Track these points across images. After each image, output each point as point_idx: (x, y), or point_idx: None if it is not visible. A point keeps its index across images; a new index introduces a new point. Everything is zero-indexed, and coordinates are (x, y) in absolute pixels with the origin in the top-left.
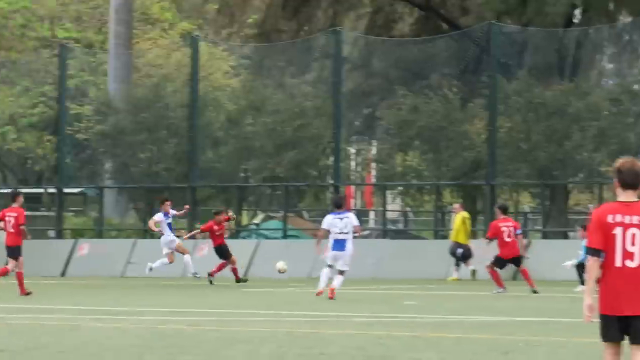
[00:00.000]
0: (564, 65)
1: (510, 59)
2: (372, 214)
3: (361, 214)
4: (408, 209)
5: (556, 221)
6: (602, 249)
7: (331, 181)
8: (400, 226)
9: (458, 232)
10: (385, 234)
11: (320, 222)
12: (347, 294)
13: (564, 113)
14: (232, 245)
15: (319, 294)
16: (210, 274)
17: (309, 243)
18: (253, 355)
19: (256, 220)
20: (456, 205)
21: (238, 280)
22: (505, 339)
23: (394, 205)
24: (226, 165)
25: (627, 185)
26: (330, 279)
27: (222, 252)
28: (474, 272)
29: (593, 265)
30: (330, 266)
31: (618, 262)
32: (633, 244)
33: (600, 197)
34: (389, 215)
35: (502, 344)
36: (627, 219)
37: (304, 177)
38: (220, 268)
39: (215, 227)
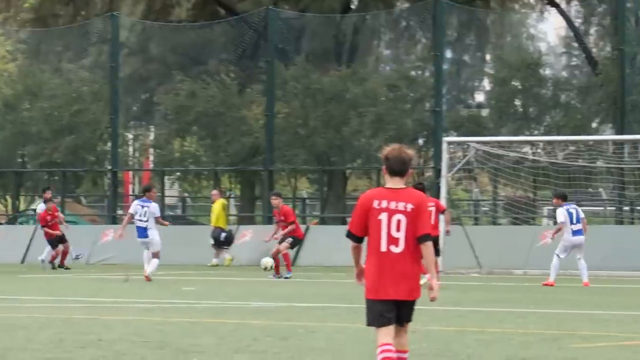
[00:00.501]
0: (341, 51)
1: (287, 44)
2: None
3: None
4: (186, 194)
5: (334, 207)
6: (362, 235)
7: (109, 167)
8: (179, 212)
9: (218, 217)
10: (163, 219)
11: (98, 208)
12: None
13: (341, 99)
14: (10, 230)
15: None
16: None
17: (87, 229)
18: (31, 342)
19: (34, 206)
20: (214, 192)
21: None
22: (284, 324)
23: (172, 191)
24: (3, 150)
25: (394, 172)
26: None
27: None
28: (230, 260)
29: (354, 250)
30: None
31: (383, 247)
32: (398, 229)
33: (378, 183)
34: (167, 201)
35: (280, 330)
36: (392, 205)
37: (81, 163)
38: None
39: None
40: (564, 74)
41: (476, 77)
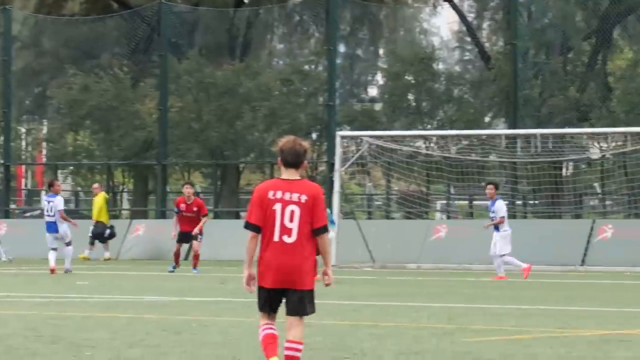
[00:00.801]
0: (234, 45)
1: (180, 38)
2: (43, 194)
3: (33, 194)
4: (79, 188)
5: (227, 201)
6: (260, 225)
7: (1, 160)
8: (72, 206)
9: (100, 211)
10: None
11: None
12: (20, 274)
13: (235, 93)
14: None
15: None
16: None
17: None
18: None
19: None
20: (96, 186)
21: None
22: (178, 318)
23: (65, 185)
24: None
25: (288, 164)
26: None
27: None
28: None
29: (251, 241)
30: (54, 249)
31: (276, 237)
32: (291, 220)
33: (271, 177)
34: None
35: (174, 324)
36: (287, 196)
37: None
38: None
39: None
40: (457, 68)
41: (369, 71)
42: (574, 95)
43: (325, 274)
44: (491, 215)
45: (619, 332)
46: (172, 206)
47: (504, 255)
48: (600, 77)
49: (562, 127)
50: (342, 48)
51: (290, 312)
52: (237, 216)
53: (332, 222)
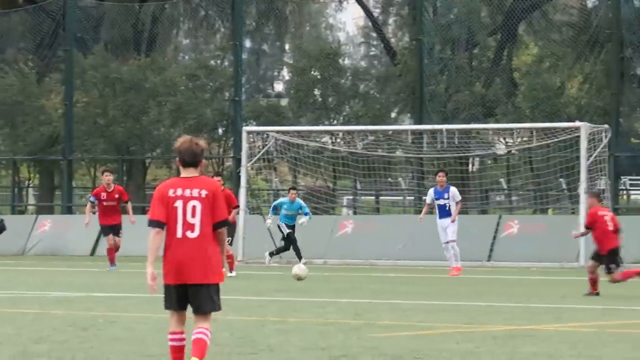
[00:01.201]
0: (140, 40)
1: (86, 33)
2: None
3: None
4: None
5: (134, 196)
6: (163, 221)
7: None
8: None
9: None
10: None
11: None
12: None
13: (140, 88)
14: None
15: None
16: None
17: None
18: None
19: None
20: None
21: None
22: (84, 314)
23: None
24: None
25: (186, 163)
26: None
27: None
28: None
29: (155, 237)
30: None
31: (179, 234)
32: (193, 215)
33: (178, 172)
34: None
35: (81, 320)
36: (187, 192)
37: None
38: None
39: None
40: (363, 63)
41: (275, 66)
42: (480, 90)
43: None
44: (443, 202)
45: (525, 328)
46: (79, 200)
47: (455, 240)
48: (506, 72)
49: (468, 122)
50: (247, 43)
51: (196, 310)
52: (143, 211)
53: (308, 214)
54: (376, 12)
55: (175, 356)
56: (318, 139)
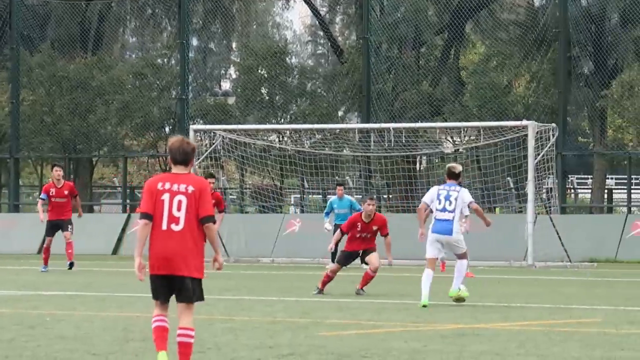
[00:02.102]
0: (87, 38)
1: (32, 31)
2: None
3: None
4: None
5: (80, 195)
6: (151, 212)
7: None
8: None
9: None
10: None
11: None
12: None
13: (87, 86)
14: None
15: None
16: None
17: None
18: None
19: None
20: None
21: None
22: (31, 313)
23: None
24: None
25: (177, 161)
26: None
27: None
28: None
29: (143, 228)
30: None
31: (164, 226)
32: (179, 209)
33: (125, 170)
34: None
35: (28, 318)
36: (174, 187)
37: None
38: None
39: None
40: (310, 62)
41: (222, 65)
42: (427, 89)
43: (215, 260)
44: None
45: (473, 326)
46: (25, 198)
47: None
48: (453, 71)
49: (415, 121)
50: (194, 42)
51: (180, 299)
52: (90, 210)
53: (327, 214)
54: (323, 10)
55: (158, 335)
56: (265, 138)
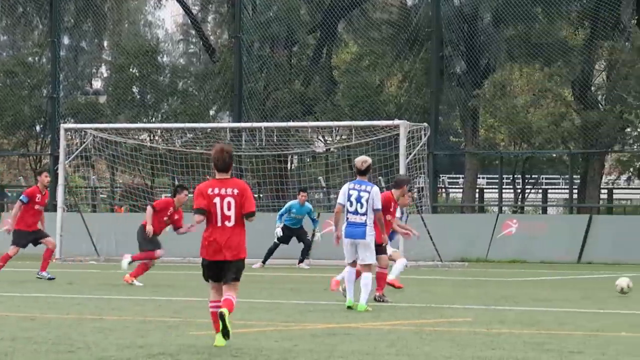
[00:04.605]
0: None
1: None
2: None
3: None
4: None
5: None
6: (206, 209)
7: None
8: None
9: None
10: None
11: None
12: None
13: None
14: None
15: None
16: None
17: None
18: None
19: None
20: None
21: None
22: None
23: None
24: None
25: (218, 169)
26: None
27: None
28: None
29: (199, 220)
30: None
31: (219, 223)
32: (229, 209)
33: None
34: None
35: None
36: (222, 191)
37: None
38: None
39: None
40: (182, 61)
41: (94, 63)
42: (299, 89)
43: None
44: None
45: (344, 326)
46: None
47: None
48: (325, 70)
49: (287, 120)
50: (66, 40)
51: (226, 280)
52: None
53: (316, 221)
54: (195, 9)
55: (214, 320)
56: (136, 137)
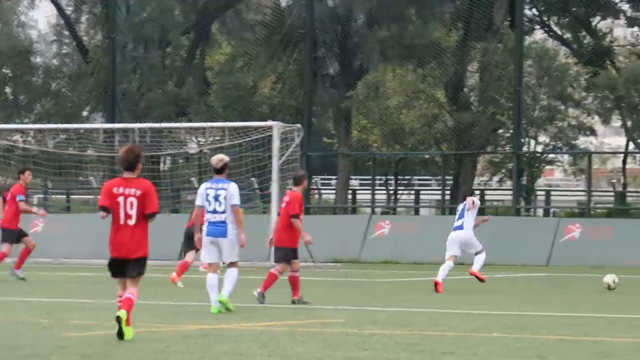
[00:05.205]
0: None
1: None
2: None
3: None
4: None
5: None
6: (109, 208)
7: None
8: None
9: None
10: None
11: None
12: None
13: None
14: None
15: None
16: None
17: None
18: None
19: None
20: None
21: None
22: None
23: None
24: None
25: (124, 168)
26: None
27: None
28: None
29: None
30: None
31: (122, 222)
32: (132, 208)
33: None
34: None
35: None
36: (126, 191)
37: None
38: None
39: None
40: (55, 62)
41: None
42: (172, 89)
43: None
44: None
45: (216, 327)
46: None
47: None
48: (199, 71)
49: (161, 121)
50: None
51: (129, 275)
52: None
53: None
54: (69, 10)
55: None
56: (9, 138)
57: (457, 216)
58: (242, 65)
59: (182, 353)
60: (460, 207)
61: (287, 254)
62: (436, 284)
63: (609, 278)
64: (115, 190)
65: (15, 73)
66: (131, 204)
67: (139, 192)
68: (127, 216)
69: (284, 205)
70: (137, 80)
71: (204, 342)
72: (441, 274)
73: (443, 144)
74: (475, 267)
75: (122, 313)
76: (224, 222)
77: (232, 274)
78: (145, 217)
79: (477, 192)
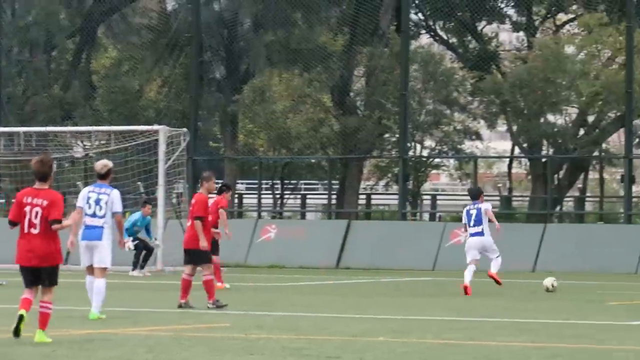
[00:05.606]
0: None
1: None
2: None
3: None
4: None
5: None
6: (17, 221)
7: None
8: None
9: None
10: None
11: None
12: None
13: None
14: None
15: None
16: None
17: None
18: None
19: None
20: None
21: None
22: None
23: None
24: None
25: (38, 179)
26: None
27: None
28: None
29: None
30: None
31: (27, 230)
32: (36, 217)
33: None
34: None
35: None
36: (35, 201)
37: None
38: None
39: None
40: None
41: None
42: (58, 93)
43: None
44: None
45: (102, 332)
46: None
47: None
48: (85, 75)
49: (46, 125)
50: None
51: (43, 284)
52: None
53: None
54: None
55: (23, 307)
56: None
57: (472, 222)
58: (128, 69)
59: (68, 357)
60: (472, 210)
61: (196, 255)
62: (465, 287)
63: (548, 281)
64: (24, 199)
65: None
66: (36, 213)
67: (45, 203)
68: (31, 224)
69: (190, 207)
70: (22, 84)
71: (90, 346)
72: (468, 277)
73: (329, 149)
74: (494, 269)
75: (23, 312)
76: (101, 227)
77: (99, 285)
78: (50, 225)
79: (363, 196)
